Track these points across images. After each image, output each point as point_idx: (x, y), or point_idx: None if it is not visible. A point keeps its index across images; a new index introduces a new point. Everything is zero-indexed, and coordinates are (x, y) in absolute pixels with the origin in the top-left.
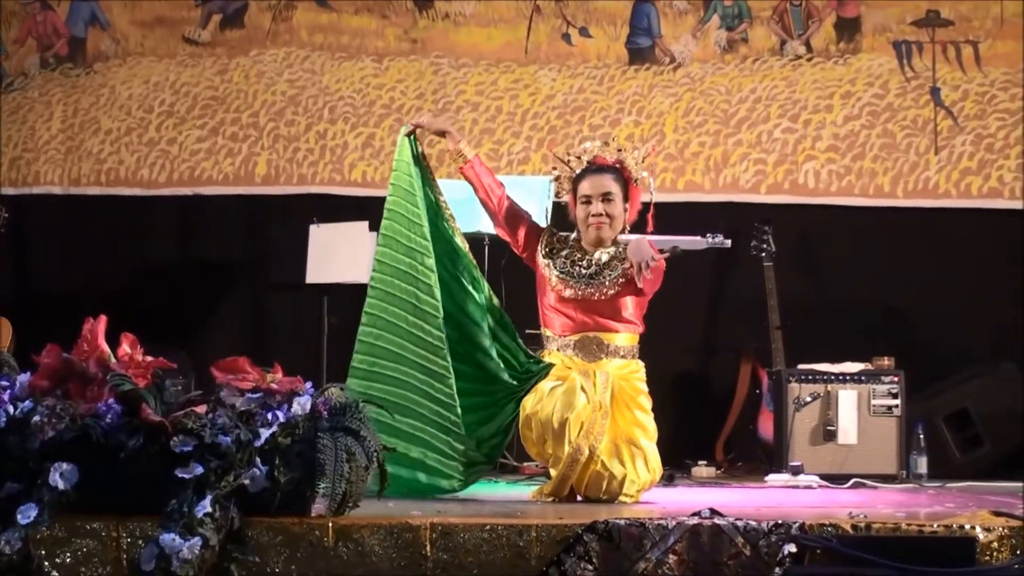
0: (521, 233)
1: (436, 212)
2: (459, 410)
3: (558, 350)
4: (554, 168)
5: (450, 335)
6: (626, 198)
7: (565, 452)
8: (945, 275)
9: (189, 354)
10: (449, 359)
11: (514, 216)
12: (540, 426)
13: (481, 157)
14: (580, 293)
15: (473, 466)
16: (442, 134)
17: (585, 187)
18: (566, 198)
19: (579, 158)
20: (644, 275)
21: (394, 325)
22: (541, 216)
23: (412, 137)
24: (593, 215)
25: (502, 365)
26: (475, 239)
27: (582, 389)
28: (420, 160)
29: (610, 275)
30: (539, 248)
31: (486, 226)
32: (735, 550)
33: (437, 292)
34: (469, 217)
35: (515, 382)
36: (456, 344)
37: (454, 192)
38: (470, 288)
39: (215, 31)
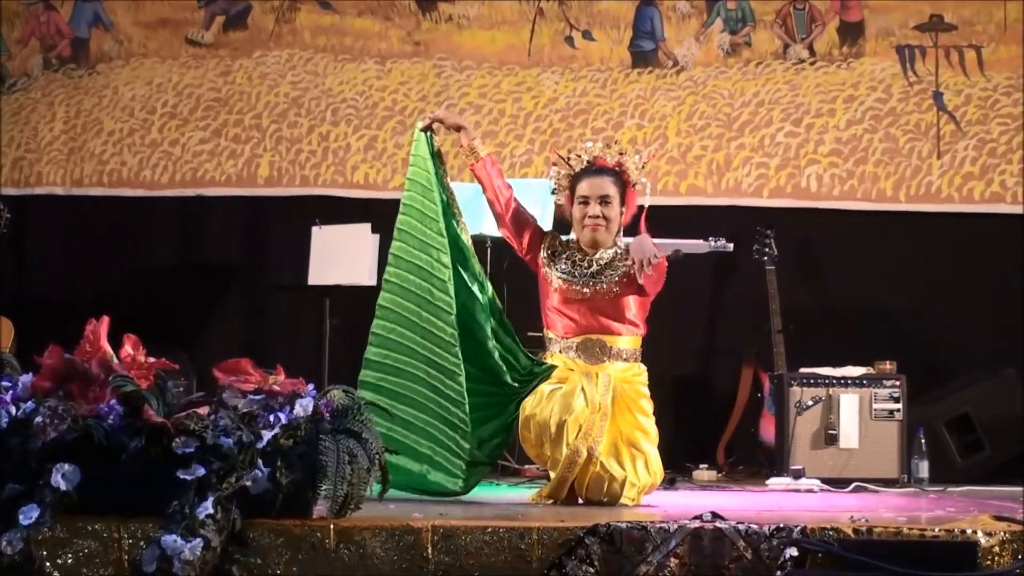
0: (526, 236)
1: (447, 210)
2: (467, 407)
3: (560, 352)
4: (554, 164)
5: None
6: (623, 201)
7: (563, 454)
8: (947, 280)
9: (191, 356)
10: (460, 356)
11: (520, 219)
12: (538, 428)
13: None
14: (583, 293)
15: (475, 466)
16: (458, 129)
17: (584, 188)
18: (562, 196)
19: (580, 157)
20: (645, 271)
21: (407, 319)
22: (544, 218)
23: (429, 133)
24: (590, 217)
25: (504, 367)
26: (478, 241)
27: (582, 391)
28: (436, 157)
29: (612, 275)
30: (542, 250)
31: (489, 228)
32: (736, 554)
33: (451, 288)
34: (472, 219)
35: (517, 384)
36: (461, 342)
37: (458, 193)
38: (475, 289)
39: (218, 33)
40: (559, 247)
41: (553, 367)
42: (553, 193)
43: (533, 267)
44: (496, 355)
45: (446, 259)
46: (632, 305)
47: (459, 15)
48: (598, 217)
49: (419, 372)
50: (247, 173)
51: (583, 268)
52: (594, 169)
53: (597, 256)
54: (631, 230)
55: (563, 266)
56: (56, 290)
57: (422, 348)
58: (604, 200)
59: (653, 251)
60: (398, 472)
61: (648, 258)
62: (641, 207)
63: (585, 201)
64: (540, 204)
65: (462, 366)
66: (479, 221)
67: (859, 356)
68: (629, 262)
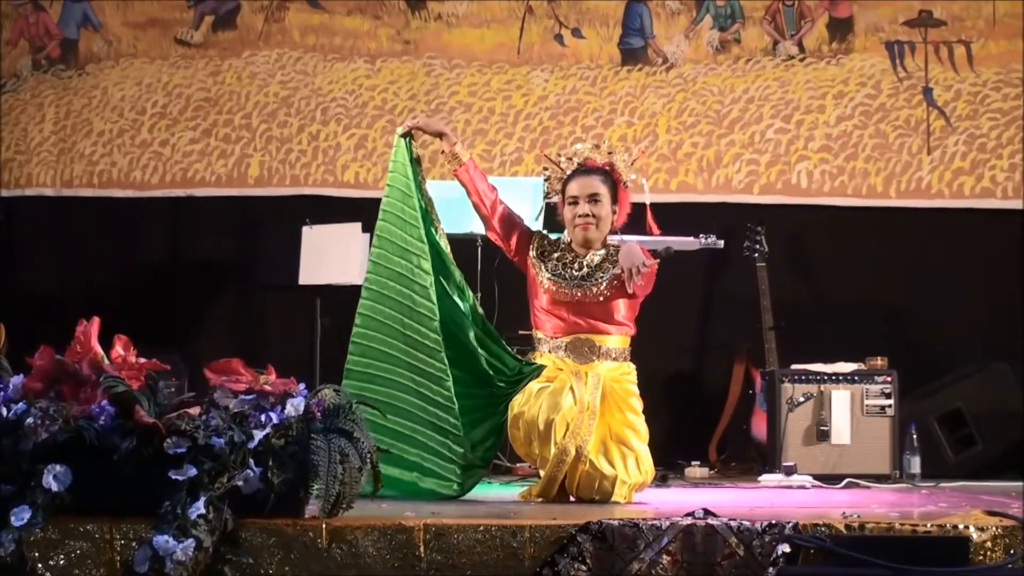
0: (514, 238)
1: (425, 216)
2: (458, 412)
3: (549, 352)
4: (545, 169)
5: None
6: (614, 200)
7: (551, 453)
8: (938, 275)
9: (182, 356)
10: (446, 362)
11: (507, 221)
12: (527, 426)
13: (475, 160)
14: (571, 295)
15: (470, 470)
16: (439, 135)
17: (573, 188)
18: (556, 199)
19: (570, 159)
20: (635, 280)
21: (387, 326)
22: (533, 218)
23: (408, 138)
24: (579, 216)
25: (491, 372)
26: (468, 240)
27: (571, 390)
28: (415, 163)
29: (602, 277)
30: (530, 251)
31: (479, 227)
32: (729, 550)
33: (433, 295)
34: (462, 217)
35: (505, 385)
36: (446, 348)
37: (447, 192)
38: (455, 297)
39: (207, 32)
40: (548, 247)
41: (542, 367)
42: (547, 196)
43: (523, 268)
44: (483, 361)
45: (427, 265)
46: (621, 307)
47: (448, 13)
48: (587, 216)
49: (404, 380)
50: (237, 173)
51: (572, 270)
52: (583, 169)
53: (587, 258)
54: (633, 228)
55: (552, 267)
56: (47, 291)
57: (406, 355)
58: (593, 198)
59: (642, 259)
60: (389, 483)
61: (637, 266)
62: (643, 205)
63: (575, 201)
64: (530, 202)
65: (449, 371)
66: (468, 220)
67: (850, 352)
68: (619, 270)
